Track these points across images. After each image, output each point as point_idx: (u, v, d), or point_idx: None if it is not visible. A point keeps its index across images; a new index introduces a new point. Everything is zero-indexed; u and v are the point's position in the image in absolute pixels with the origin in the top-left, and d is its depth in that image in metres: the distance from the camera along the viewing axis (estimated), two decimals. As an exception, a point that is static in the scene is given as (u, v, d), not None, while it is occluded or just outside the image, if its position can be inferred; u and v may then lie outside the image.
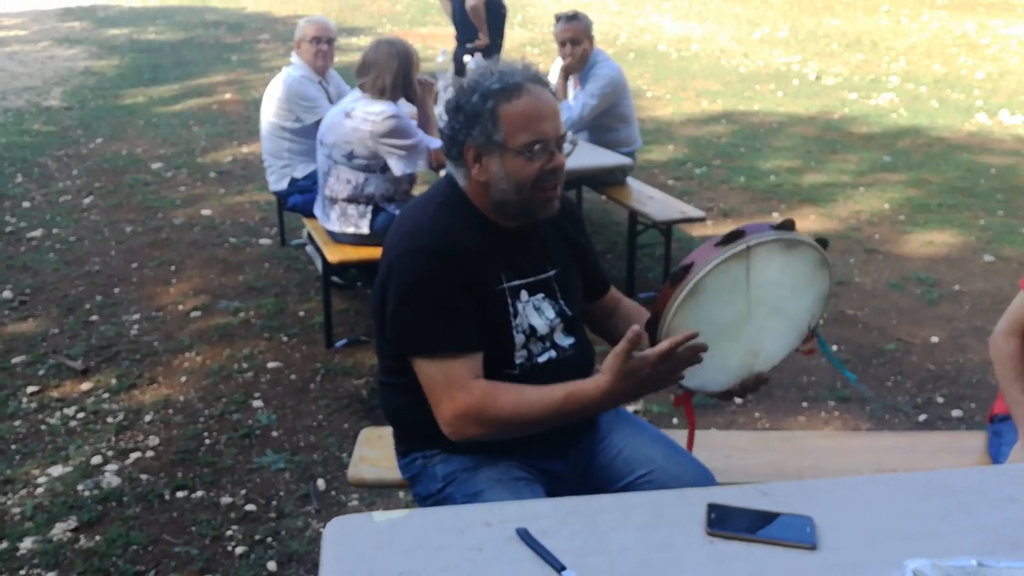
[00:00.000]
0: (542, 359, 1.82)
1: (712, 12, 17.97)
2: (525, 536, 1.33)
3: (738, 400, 3.45)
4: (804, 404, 3.45)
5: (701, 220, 4.38)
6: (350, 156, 3.54)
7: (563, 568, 1.26)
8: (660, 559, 1.29)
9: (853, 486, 1.49)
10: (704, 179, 6.51)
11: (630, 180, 4.66)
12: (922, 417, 3.36)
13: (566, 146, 1.75)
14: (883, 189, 6.19)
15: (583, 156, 4.08)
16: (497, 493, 1.72)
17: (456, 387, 1.65)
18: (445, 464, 1.83)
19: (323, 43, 4.39)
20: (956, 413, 3.38)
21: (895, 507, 1.41)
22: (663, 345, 1.51)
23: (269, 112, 4.39)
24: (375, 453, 2.18)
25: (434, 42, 13.93)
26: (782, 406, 3.43)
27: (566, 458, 1.90)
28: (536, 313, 1.81)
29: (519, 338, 1.77)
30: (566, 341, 1.87)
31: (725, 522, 1.37)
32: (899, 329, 4.06)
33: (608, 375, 1.56)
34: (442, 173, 2.79)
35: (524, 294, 1.79)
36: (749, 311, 1.60)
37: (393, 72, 3.53)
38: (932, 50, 12.49)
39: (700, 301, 1.55)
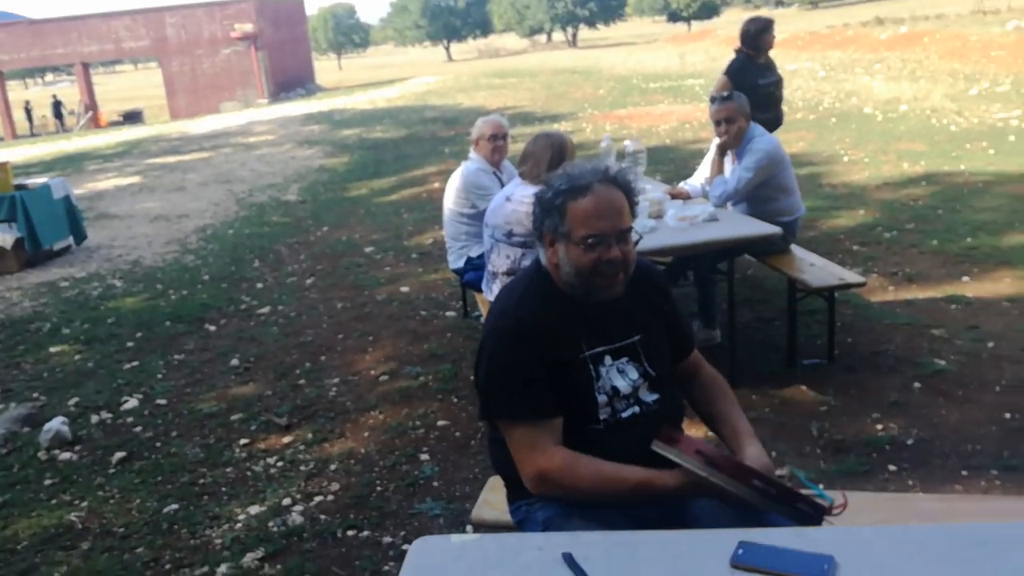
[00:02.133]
0: (626, 415, 2.02)
1: (926, 70, 17.15)
2: (568, 560, 1.54)
3: (892, 467, 3.38)
4: (964, 472, 3.30)
5: (861, 285, 4.32)
6: (509, 235, 3.91)
7: (589, 584, 1.46)
8: (681, 583, 1.45)
9: (885, 533, 1.56)
10: (893, 243, 6.31)
11: (794, 248, 4.69)
12: (1100, 491, 3.12)
13: (633, 235, 1.97)
14: (1095, 249, 5.70)
15: (731, 227, 4.21)
16: None
17: (537, 451, 1.92)
18: (544, 511, 2.05)
19: (498, 140, 4.87)
20: None
21: (921, 555, 1.47)
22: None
23: (449, 200, 4.91)
24: (496, 498, 2.44)
25: (631, 122, 14.40)
26: (939, 475, 3.31)
27: (661, 508, 2.06)
28: (619, 376, 2.03)
29: (602, 398, 2.00)
30: (650, 397, 2.06)
31: (750, 556, 1.50)
32: (1092, 399, 3.77)
33: (679, 481, 1.86)
34: None
35: (608, 359, 2.02)
36: None
37: (548, 160, 3.89)
38: None
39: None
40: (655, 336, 2.11)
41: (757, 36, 6.12)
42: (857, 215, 7.20)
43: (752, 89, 5.58)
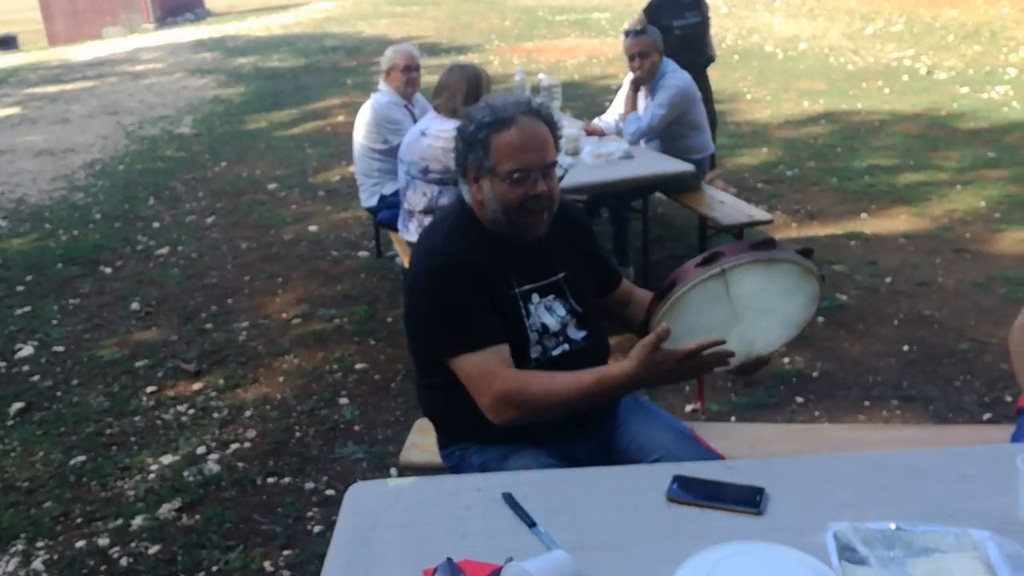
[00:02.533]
0: (556, 352, 2.02)
1: (825, 8, 17.55)
2: (508, 499, 1.55)
3: (799, 399, 3.53)
4: (866, 403, 3.49)
5: (768, 223, 4.45)
6: (425, 171, 3.83)
7: (533, 524, 1.47)
8: (620, 519, 1.48)
9: (811, 463, 1.63)
10: (795, 181, 6.50)
11: (704, 186, 4.77)
12: (987, 416, 3.34)
13: (557, 170, 1.95)
14: (982, 186, 6.02)
15: (647, 164, 4.25)
16: None
17: (491, 376, 1.87)
18: (480, 454, 2.05)
19: (412, 71, 4.73)
20: (1023, 410, 3.34)
21: (844, 481, 1.54)
22: (691, 345, 1.68)
23: (360, 135, 4.76)
24: (425, 440, 2.43)
25: (538, 55, 14.26)
26: (843, 405, 3.49)
27: (588, 444, 2.10)
28: (547, 313, 2.02)
29: (533, 336, 1.99)
30: (578, 335, 2.07)
31: (686, 491, 1.54)
32: (976, 329, 4.01)
33: (634, 362, 1.74)
34: None
35: (535, 296, 2.01)
36: (735, 315, 1.73)
37: (463, 93, 3.80)
38: (1058, 37, 11.84)
39: (683, 312, 1.70)
40: (579, 273, 2.11)
41: None
42: (760, 153, 7.37)
43: (667, 30, 5.51)
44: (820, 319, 4.15)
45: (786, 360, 3.79)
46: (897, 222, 5.48)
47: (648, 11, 6.03)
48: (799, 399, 3.53)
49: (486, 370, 1.88)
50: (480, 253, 1.94)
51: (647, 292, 2.27)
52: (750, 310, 1.72)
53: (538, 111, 1.93)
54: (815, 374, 3.70)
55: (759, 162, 7.11)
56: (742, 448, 2.32)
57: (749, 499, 1.50)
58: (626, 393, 2.01)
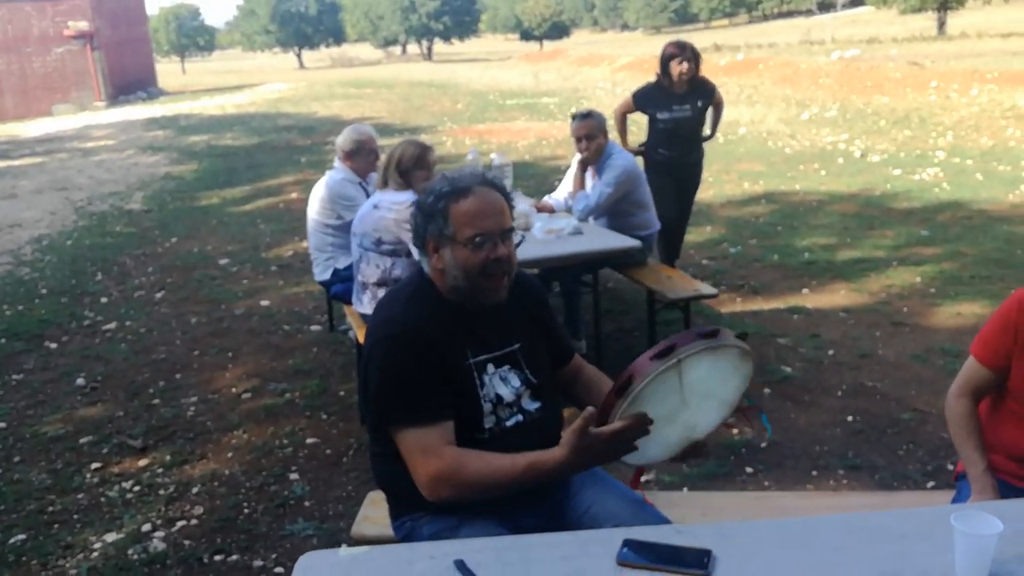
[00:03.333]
0: (510, 423, 2.05)
1: (762, 95, 18.33)
2: (460, 566, 1.56)
3: (749, 469, 3.58)
4: (814, 473, 3.55)
5: (714, 296, 4.58)
6: (378, 243, 3.88)
7: (488, 591, 1.48)
8: (573, 585, 1.50)
9: (759, 527, 1.67)
10: (738, 258, 6.70)
11: (651, 261, 4.90)
12: (930, 484, 3.42)
13: (516, 236, 2.02)
14: (917, 263, 6.28)
15: (596, 240, 4.36)
16: None
17: (429, 453, 1.90)
18: (431, 525, 2.04)
19: (375, 154, 4.82)
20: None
21: (792, 544, 1.59)
22: (615, 425, 1.76)
23: (313, 211, 4.82)
24: (377, 513, 2.42)
25: (490, 137, 14.59)
26: (792, 475, 3.55)
27: (540, 513, 2.11)
28: (502, 383, 2.06)
29: (487, 406, 2.02)
30: (532, 406, 2.10)
31: (635, 554, 1.57)
32: (917, 399, 4.14)
33: (565, 449, 1.81)
34: None
35: (491, 367, 2.05)
36: (684, 401, 1.82)
37: (394, 161, 3.93)
38: (980, 124, 12.51)
39: (640, 405, 1.77)
40: (535, 344, 2.16)
41: (665, 62, 5.47)
42: (704, 231, 7.59)
43: (652, 121, 5.59)
44: (767, 390, 4.25)
45: (735, 431, 3.86)
46: (837, 297, 5.66)
47: (636, 97, 5.70)
48: (749, 469, 3.58)
49: (426, 447, 1.91)
50: (437, 323, 1.98)
51: (595, 370, 2.33)
52: (696, 395, 1.82)
53: (492, 182, 2.02)
54: (764, 444, 3.77)
55: (703, 239, 7.32)
56: (694, 516, 2.36)
57: (697, 562, 1.54)
58: (559, 478, 2.01)
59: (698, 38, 38.54)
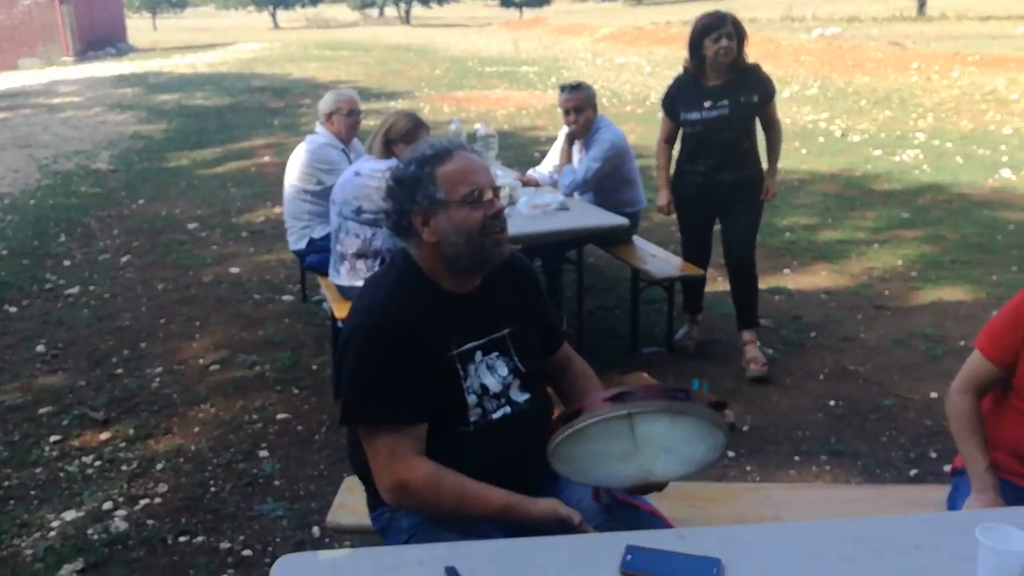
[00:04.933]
0: (496, 416, 1.94)
1: (744, 71, 18.20)
2: (452, 574, 1.45)
3: (731, 454, 3.51)
4: (796, 458, 3.49)
5: (700, 277, 4.48)
6: (358, 212, 3.73)
7: (479, 601, 1.37)
8: (572, 595, 1.40)
9: (766, 532, 1.58)
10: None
11: (636, 239, 4.79)
12: (913, 472, 3.38)
13: (503, 199, 1.91)
14: (898, 246, 6.23)
15: (583, 216, 4.24)
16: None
17: (398, 459, 1.80)
18: (410, 517, 1.94)
19: (355, 116, 4.66)
20: (948, 468, 3.39)
21: (801, 552, 1.50)
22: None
23: (292, 176, 4.64)
24: (354, 500, 2.30)
25: (469, 105, 14.35)
26: (774, 460, 3.48)
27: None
28: (489, 372, 1.94)
29: (471, 399, 1.90)
30: (521, 397, 1.98)
31: (639, 562, 1.47)
32: (899, 385, 4.09)
33: (543, 514, 1.78)
34: None
35: (478, 355, 1.93)
36: (637, 449, 1.72)
37: (384, 130, 3.78)
38: (961, 106, 12.50)
39: (584, 440, 1.69)
40: (526, 330, 2.04)
41: (696, 39, 3.96)
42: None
43: (680, 124, 4.16)
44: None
45: None
46: (818, 278, 5.60)
47: (664, 101, 4.30)
48: (731, 453, 3.51)
49: (396, 452, 1.81)
50: (421, 310, 1.86)
51: (584, 364, 2.22)
52: (653, 447, 1.73)
53: (467, 147, 1.93)
54: (746, 428, 3.70)
55: (686, 216, 7.21)
56: (682, 508, 2.27)
57: (706, 571, 1.44)
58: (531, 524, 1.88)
59: (678, 11, 38.30)
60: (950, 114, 11.98)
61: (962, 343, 4.51)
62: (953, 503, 2.20)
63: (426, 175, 1.84)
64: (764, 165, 4.28)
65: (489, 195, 1.87)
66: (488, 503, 1.78)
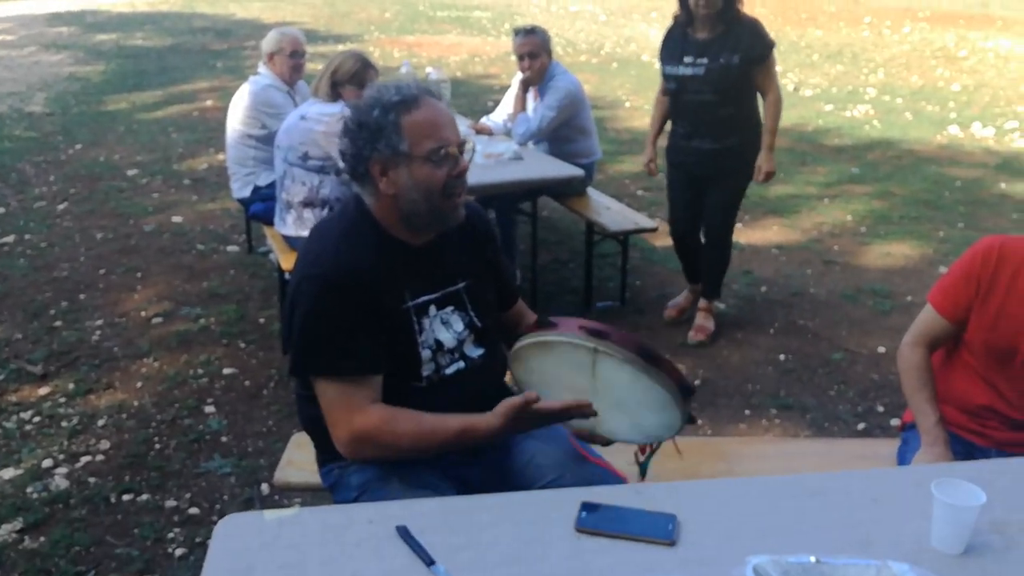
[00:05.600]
0: (450, 371, 1.89)
1: (698, 22, 18.10)
2: (403, 533, 1.41)
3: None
4: (747, 412, 3.53)
5: (653, 231, 4.47)
6: (305, 158, 3.61)
7: (432, 563, 1.34)
8: (528, 553, 1.37)
9: (722, 487, 1.57)
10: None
11: (590, 191, 4.74)
12: (861, 426, 3.44)
13: (467, 154, 1.83)
14: (848, 201, 6.29)
15: (538, 166, 4.17)
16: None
17: (354, 410, 1.74)
18: (360, 473, 1.88)
19: (299, 57, 4.48)
20: (895, 422, 3.46)
21: (758, 507, 1.49)
22: (556, 404, 1.68)
23: (235, 120, 4.47)
24: (302, 456, 2.25)
25: (420, 50, 14.05)
26: (725, 414, 3.51)
27: (480, 464, 1.97)
28: (443, 327, 1.88)
29: (425, 353, 1.84)
30: (475, 352, 1.93)
31: (595, 519, 1.44)
32: (848, 339, 4.14)
33: (501, 420, 1.70)
34: None
35: (432, 308, 1.86)
36: (595, 390, 1.70)
37: (330, 71, 3.64)
38: (911, 62, 12.62)
39: (548, 355, 1.69)
40: (482, 283, 1.98)
41: None
42: (639, 160, 7.43)
43: (664, 76, 3.87)
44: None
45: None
46: (770, 233, 5.63)
47: (661, 52, 3.91)
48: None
49: (350, 403, 1.75)
50: (373, 262, 1.78)
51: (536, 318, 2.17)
52: (608, 397, 1.71)
53: (434, 92, 1.82)
54: (697, 382, 3.72)
55: (638, 169, 7.16)
56: (633, 463, 2.25)
57: (662, 528, 1.42)
58: (487, 443, 1.86)
59: (633, -40, 37.84)
60: (900, 70, 12.08)
61: (909, 298, 4.59)
62: (903, 457, 2.22)
63: (390, 122, 1.73)
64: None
65: (455, 152, 1.78)
66: (446, 428, 1.74)
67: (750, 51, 3.63)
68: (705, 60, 3.65)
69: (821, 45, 14.41)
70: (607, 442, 1.89)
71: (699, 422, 3.44)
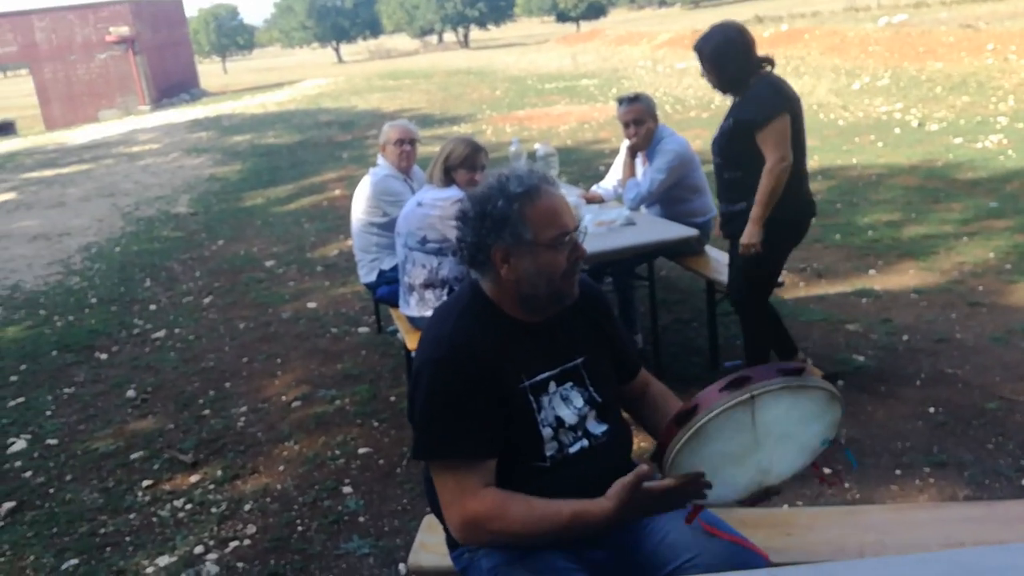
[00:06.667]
0: (574, 449, 1.88)
1: (810, 66, 17.80)
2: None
3: (827, 470, 3.36)
4: (897, 472, 3.32)
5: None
6: (423, 241, 3.73)
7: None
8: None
9: (870, 569, 1.47)
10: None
11: (708, 249, 4.67)
12: (1025, 481, 3.18)
13: (580, 235, 1.86)
14: (988, 237, 5.94)
15: (651, 230, 4.15)
16: None
17: (467, 494, 1.76)
18: (489, 558, 1.88)
19: (405, 144, 4.68)
20: (1064, 475, 3.19)
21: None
22: (668, 481, 1.62)
23: (359, 210, 4.68)
24: (434, 540, 2.26)
25: (530, 123, 14.38)
26: (873, 474, 3.32)
27: (609, 547, 1.92)
28: (563, 404, 1.88)
29: (547, 432, 1.85)
30: (599, 429, 1.92)
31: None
32: (1002, 387, 3.87)
33: (614, 502, 1.68)
34: None
35: (552, 385, 1.87)
36: (756, 442, 1.65)
37: (443, 158, 3.77)
38: (1045, 85, 11.95)
39: (703, 442, 1.61)
40: (599, 358, 1.98)
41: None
42: (760, 211, 7.29)
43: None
44: (840, 382, 4.00)
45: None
46: (907, 277, 5.37)
47: None
48: (827, 469, 3.34)
49: (463, 487, 1.76)
50: (491, 343, 1.82)
51: (663, 387, 2.13)
52: (772, 436, 1.65)
53: (548, 179, 1.87)
54: (841, 441, 3.54)
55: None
56: (777, 537, 2.16)
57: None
58: (603, 529, 1.80)
59: (738, 10, 37.77)
60: (1034, 94, 11.45)
61: (1067, 337, 4.26)
62: (1075, 519, 2.04)
63: (515, 212, 1.79)
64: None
65: (574, 236, 1.84)
66: (558, 512, 1.72)
67: (741, 115, 3.52)
68: (723, 122, 3.64)
69: (943, 77, 13.85)
70: (778, 491, 1.80)
71: (845, 485, 3.27)
